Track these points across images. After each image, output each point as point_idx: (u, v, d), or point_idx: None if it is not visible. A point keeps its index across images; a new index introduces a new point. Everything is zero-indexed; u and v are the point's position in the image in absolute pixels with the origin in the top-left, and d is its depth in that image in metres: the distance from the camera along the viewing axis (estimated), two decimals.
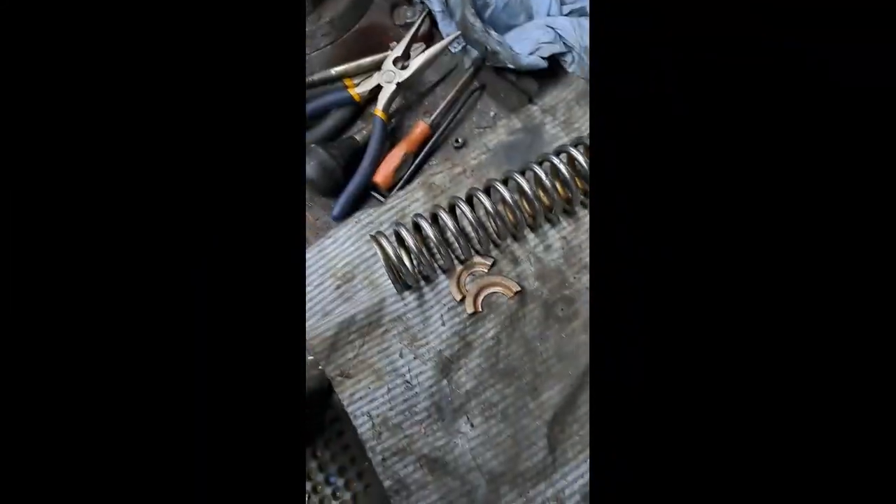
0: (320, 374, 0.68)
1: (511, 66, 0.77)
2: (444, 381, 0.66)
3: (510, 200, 0.68)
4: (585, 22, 0.79)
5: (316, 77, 0.83)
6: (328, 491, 0.70)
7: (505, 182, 0.69)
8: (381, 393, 0.66)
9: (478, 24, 0.76)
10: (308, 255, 0.74)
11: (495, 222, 0.69)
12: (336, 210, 0.77)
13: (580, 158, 0.68)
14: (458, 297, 0.70)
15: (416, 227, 0.68)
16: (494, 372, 0.67)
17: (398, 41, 0.82)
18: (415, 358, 0.67)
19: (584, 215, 0.73)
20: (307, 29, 0.84)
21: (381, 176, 0.77)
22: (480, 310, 0.69)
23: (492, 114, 0.82)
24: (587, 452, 0.63)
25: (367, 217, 0.75)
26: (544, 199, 0.71)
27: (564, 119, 0.78)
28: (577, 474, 0.63)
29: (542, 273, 0.71)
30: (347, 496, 0.69)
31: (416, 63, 0.79)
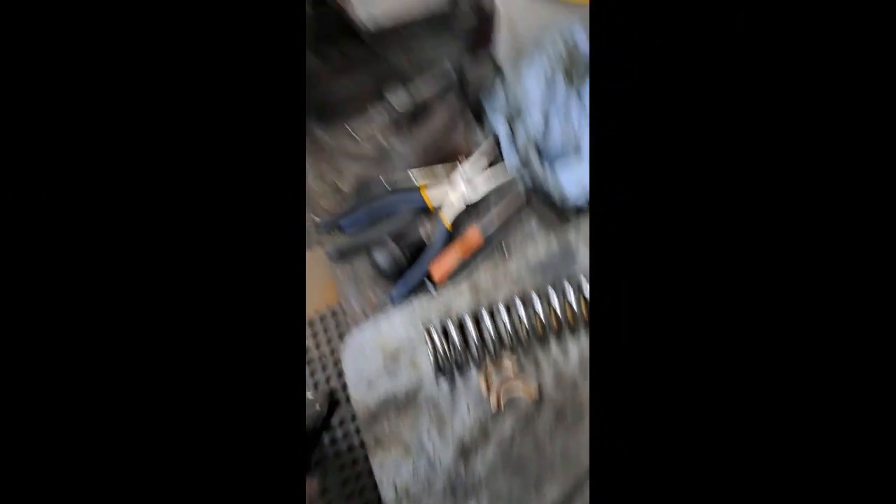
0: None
1: (558, 202, 0.90)
2: (462, 466, 0.78)
3: (540, 312, 0.80)
4: None
5: (400, 186, 0.99)
6: None
7: (538, 294, 0.82)
8: (406, 466, 0.78)
9: (536, 160, 0.89)
10: (365, 331, 0.87)
11: (525, 329, 0.81)
12: (395, 294, 0.91)
13: None
14: (485, 391, 0.81)
15: (460, 324, 0.81)
16: (506, 464, 0.77)
17: (468, 156, 0.97)
18: (440, 439, 0.79)
19: None
20: (401, 147, 1.00)
21: (437, 273, 0.91)
22: (502, 409, 0.81)
23: (534, 228, 0.95)
24: None
25: (419, 306, 0.88)
26: (569, 313, 0.82)
27: None
28: None
29: (559, 379, 0.82)
30: None
31: (483, 188, 0.94)
